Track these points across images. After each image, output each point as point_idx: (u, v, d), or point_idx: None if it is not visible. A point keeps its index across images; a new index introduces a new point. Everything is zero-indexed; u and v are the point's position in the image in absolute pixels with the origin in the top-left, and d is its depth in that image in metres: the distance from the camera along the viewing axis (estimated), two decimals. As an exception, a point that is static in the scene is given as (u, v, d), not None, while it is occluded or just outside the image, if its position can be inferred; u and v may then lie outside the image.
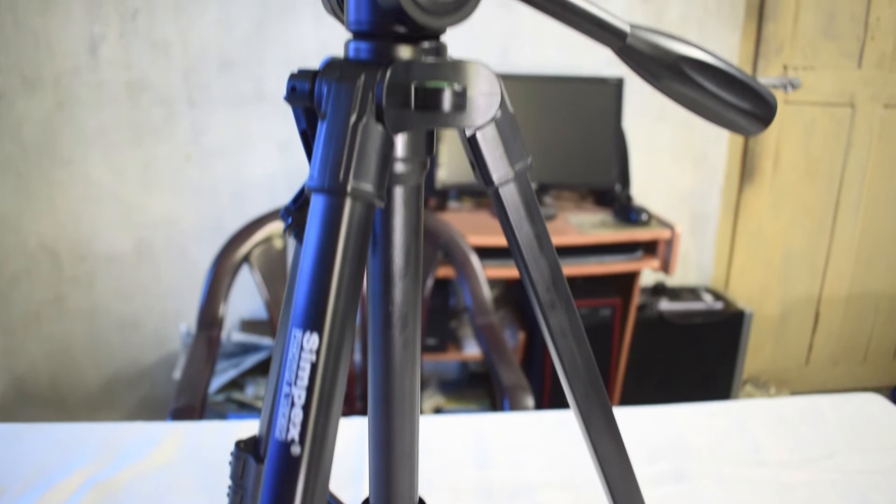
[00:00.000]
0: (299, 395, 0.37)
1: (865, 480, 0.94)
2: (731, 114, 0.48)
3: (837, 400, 1.14)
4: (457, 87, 0.39)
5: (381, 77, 0.39)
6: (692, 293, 2.53)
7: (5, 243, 2.28)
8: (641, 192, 2.46)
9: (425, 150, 0.44)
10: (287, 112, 2.24)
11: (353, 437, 0.96)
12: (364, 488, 0.89)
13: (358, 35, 0.42)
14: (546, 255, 0.47)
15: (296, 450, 0.36)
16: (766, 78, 2.53)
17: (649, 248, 2.16)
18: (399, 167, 0.43)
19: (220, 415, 2.10)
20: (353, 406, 1.71)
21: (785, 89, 2.54)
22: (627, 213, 2.17)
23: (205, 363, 1.41)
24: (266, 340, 2.27)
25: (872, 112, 2.65)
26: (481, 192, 2.33)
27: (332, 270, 0.37)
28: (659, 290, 2.51)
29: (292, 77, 0.43)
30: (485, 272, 1.59)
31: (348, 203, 0.38)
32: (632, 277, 2.21)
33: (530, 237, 0.46)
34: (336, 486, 0.88)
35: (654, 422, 1.06)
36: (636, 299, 2.25)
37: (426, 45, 0.42)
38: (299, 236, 0.46)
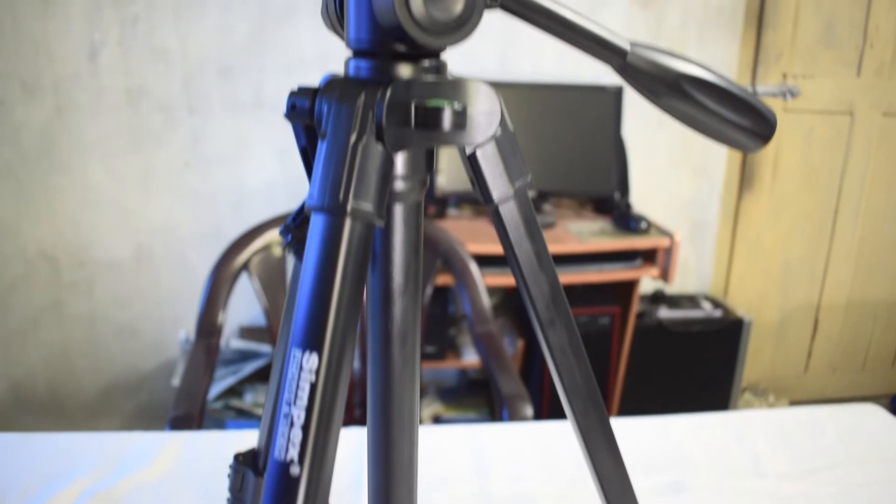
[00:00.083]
0: (298, 414, 0.37)
1: (864, 492, 0.94)
2: (730, 131, 0.49)
3: (836, 411, 1.14)
4: (457, 105, 0.39)
5: (382, 96, 0.39)
6: (691, 301, 2.52)
7: (4, 249, 2.27)
8: (641, 199, 2.46)
9: (425, 168, 0.44)
10: (286, 120, 2.24)
11: (351, 446, 0.96)
12: (362, 497, 0.89)
13: (358, 53, 0.42)
14: (545, 272, 0.47)
15: (295, 470, 0.36)
16: (766, 86, 2.53)
17: (648, 256, 2.16)
18: (399, 185, 0.43)
19: (219, 422, 2.09)
20: (352, 413, 1.71)
21: (784, 97, 2.55)
22: (627, 221, 2.17)
23: (203, 371, 1.41)
24: (265, 347, 2.26)
25: (871, 120, 2.66)
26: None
27: (331, 290, 0.37)
28: (658, 298, 2.51)
29: (292, 95, 0.43)
30: (484, 280, 1.59)
31: (348, 223, 0.38)
32: (631, 285, 2.21)
33: (530, 254, 0.46)
34: (335, 493, 0.88)
35: (652, 433, 1.06)
36: (635, 307, 2.24)
37: (426, 63, 0.42)
38: (299, 253, 0.46)
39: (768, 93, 2.54)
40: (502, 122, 0.44)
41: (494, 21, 2.26)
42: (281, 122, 2.26)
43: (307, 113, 0.42)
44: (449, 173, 2.17)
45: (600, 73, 2.35)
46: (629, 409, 2.39)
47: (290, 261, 0.50)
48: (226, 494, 0.63)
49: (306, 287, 0.38)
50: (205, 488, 0.90)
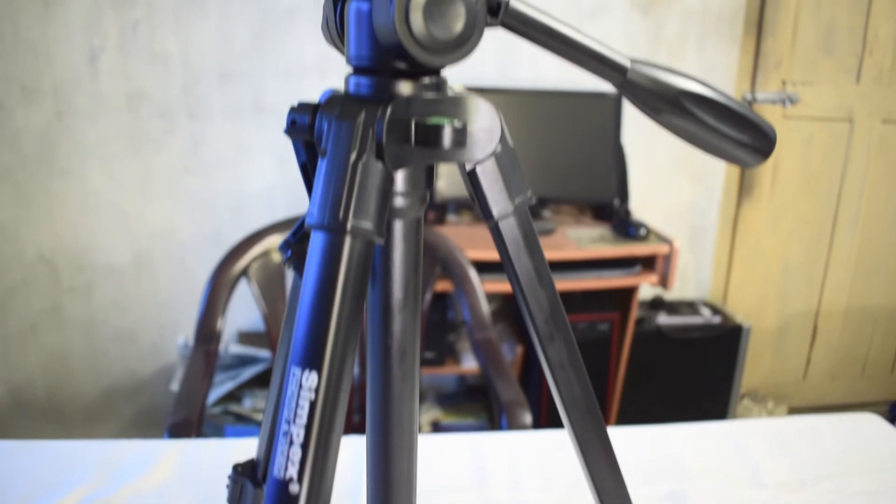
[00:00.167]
0: (298, 433, 0.37)
1: (863, 501, 0.94)
2: (730, 147, 0.49)
3: (835, 420, 1.14)
4: (457, 123, 0.39)
5: (382, 114, 0.39)
6: (690, 307, 2.52)
7: (3, 253, 2.27)
8: (640, 206, 2.47)
9: (425, 185, 0.44)
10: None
11: (350, 454, 0.96)
12: (361, 502, 0.89)
13: (358, 70, 0.42)
14: (545, 287, 0.47)
15: (294, 488, 0.36)
16: (765, 93, 2.53)
17: (647, 262, 2.16)
18: (399, 201, 0.43)
19: (218, 427, 2.09)
20: (351, 420, 1.71)
21: (783, 104, 2.55)
22: (626, 227, 2.17)
23: (202, 377, 1.41)
24: (264, 353, 2.26)
25: (871, 127, 2.66)
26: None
27: (331, 309, 0.37)
28: (657, 304, 2.51)
29: (292, 110, 0.43)
30: (483, 286, 1.59)
31: (348, 241, 0.38)
32: (630, 292, 2.21)
33: (529, 270, 0.46)
34: (334, 501, 0.87)
35: (651, 442, 1.06)
36: (634, 314, 2.24)
37: (426, 80, 0.42)
38: (299, 269, 0.46)
39: (768, 100, 2.54)
40: (502, 139, 0.44)
41: (494, 28, 2.26)
42: (281, 127, 2.26)
43: (307, 129, 0.42)
44: (448, 179, 2.17)
45: (600, 80, 2.35)
46: (628, 415, 2.39)
47: (290, 271, 0.50)
48: (224, 505, 0.63)
49: (306, 305, 0.38)
50: (203, 497, 0.90)
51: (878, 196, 2.75)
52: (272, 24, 2.19)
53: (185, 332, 2.39)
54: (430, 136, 0.39)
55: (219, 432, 2.09)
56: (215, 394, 2.13)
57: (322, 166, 0.39)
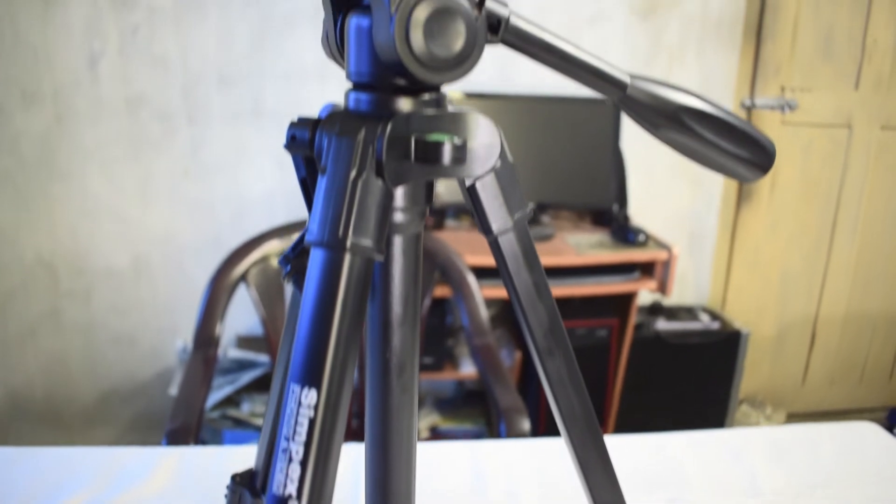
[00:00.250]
0: (297, 450, 0.37)
1: (861, 512, 0.94)
2: (729, 162, 0.49)
3: (833, 428, 1.14)
4: (456, 140, 0.39)
5: (382, 131, 0.39)
6: (689, 313, 2.53)
7: (2, 257, 2.27)
8: (639, 211, 2.47)
9: (424, 200, 0.44)
10: (286, 129, 2.24)
11: (349, 461, 0.96)
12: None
13: (358, 86, 0.42)
14: (544, 302, 0.47)
15: (293, 505, 0.36)
16: (764, 99, 2.53)
17: (646, 268, 2.17)
18: (398, 216, 0.43)
19: (216, 432, 2.09)
20: (350, 424, 1.71)
21: (782, 110, 2.55)
22: (625, 233, 2.17)
23: (201, 383, 1.41)
24: (262, 357, 2.26)
25: (869, 133, 2.66)
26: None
27: (330, 326, 0.37)
28: (656, 310, 2.51)
29: (292, 125, 0.43)
30: (482, 292, 1.59)
31: (347, 258, 0.38)
32: (629, 298, 2.21)
33: (529, 285, 0.47)
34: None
35: (649, 450, 1.06)
36: (633, 319, 2.24)
37: (426, 96, 0.42)
38: (298, 284, 0.46)
39: (767, 105, 2.54)
40: (502, 154, 0.44)
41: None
42: (280, 132, 2.26)
43: (307, 144, 0.42)
44: (448, 184, 2.17)
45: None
46: (626, 421, 2.39)
47: (289, 285, 0.50)
48: (223, 515, 0.63)
49: (305, 322, 0.38)
50: (201, 505, 0.90)
51: (877, 202, 2.75)
52: (272, 27, 2.19)
53: (184, 336, 2.39)
54: (429, 153, 0.39)
55: (217, 437, 2.09)
56: (214, 398, 2.13)
57: (322, 183, 0.39)
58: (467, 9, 0.38)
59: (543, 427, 2.29)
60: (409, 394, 0.49)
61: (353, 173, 0.39)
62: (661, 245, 2.15)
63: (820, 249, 2.78)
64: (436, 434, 2.30)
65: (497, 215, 0.45)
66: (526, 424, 1.32)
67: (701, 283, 2.72)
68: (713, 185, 2.60)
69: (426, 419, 2.32)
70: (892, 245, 2.82)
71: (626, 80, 0.44)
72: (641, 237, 2.15)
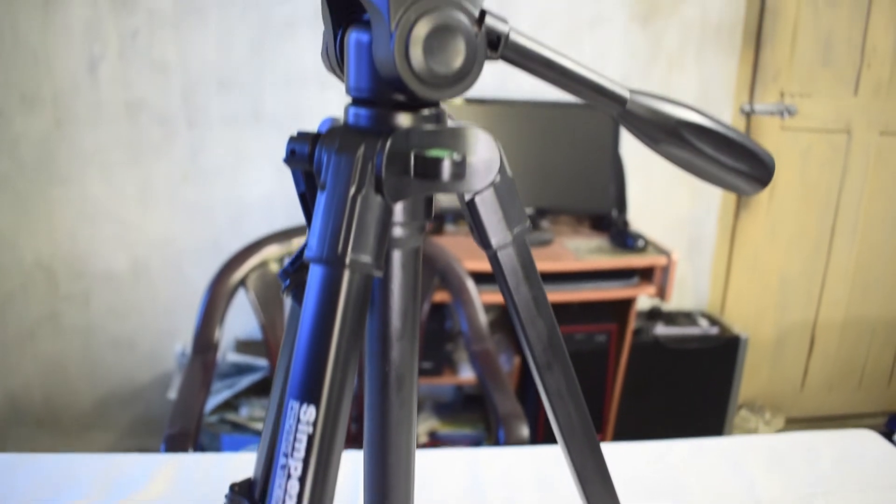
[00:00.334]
0: (295, 466, 0.37)
1: (860, 521, 0.94)
2: (728, 176, 0.49)
3: (831, 436, 1.14)
4: (456, 156, 0.39)
5: (381, 147, 0.39)
6: (688, 318, 2.53)
7: (1, 260, 2.27)
8: (638, 216, 2.47)
9: (424, 215, 0.44)
10: (285, 134, 2.24)
11: (347, 468, 0.96)
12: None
13: (358, 101, 0.42)
14: (543, 316, 0.47)
15: (291, 522, 0.36)
16: (763, 104, 2.54)
17: (645, 274, 2.17)
18: (397, 231, 0.44)
19: (214, 436, 2.09)
20: (349, 430, 1.71)
21: (782, 116, 2.56)
22: (624, 238, 2.17)
23: (199, 388, 1.41)
24: (261, 361, 2.26)
25: (868, 139, 2.66)
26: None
27: (329, 342, 0.37)
28: (655, 315, 2.51)
29: (292, 140, 0.43)
30: (481, 297, 1.59)
31: (346, 275, 0.38)
32: (628, 303, 2.21)
33: (528, 299, 0.47)
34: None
35: (648, 458, 1.06)
36: (632, 325, 2.25)
37: (426, 112, 0.42)
38: (298, 298, 0.46)
39: (766, 111, 2.55)
40: (501, 169, 0.44)
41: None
42: (279, 137, 2.27)
43: (306, 159, 0.42)
44: (447, 189, 2.17)
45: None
46: (625, 425, 2.39)
47: (288, 299, 0.50)
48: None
49: (304, 338, 0.38)
50: (200, 513, 0.90)
51: (876, 207, 2.76)
52: (272, 32, 2.19)
53: (183, 340, 2.39)
54: (429, 169, 0.39)
55: (216, 441, 2.09)
56: (212, 402, 2.13)
57: (321, 200, 0.39)
58: (467, 26, 0.38)
59: (542, 433, 2.29)
60: (408, 407, 0.49)
61: (352, 190, 0.39)
62: (661, 250, 2.15)
63: (819, 254, 2.78)
64: (434, 439, 2.30)
65: (496, 230, 0.45)
66: (525, 431, 1.32)
67: (700, 287, 2.72)
68: (712, 191, 2.60)
69: (425, 424, 2.32)
70: (891, 250, 2.82)
71: (626, 94, 0.44)
72: (640, 242, 2.15)
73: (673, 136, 0.46)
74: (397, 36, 0.36)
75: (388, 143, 0.39)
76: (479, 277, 1.67)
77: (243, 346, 2.39)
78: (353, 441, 1.69)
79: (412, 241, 0.45)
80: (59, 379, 2.41)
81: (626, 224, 2.27)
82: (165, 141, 2.24)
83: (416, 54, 0.37)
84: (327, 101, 2.25)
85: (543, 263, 2.04)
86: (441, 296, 1.84)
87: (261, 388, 2.21)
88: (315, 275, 0.39)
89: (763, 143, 2.57)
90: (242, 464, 1.00)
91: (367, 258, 0.38)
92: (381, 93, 0.41)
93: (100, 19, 2.11)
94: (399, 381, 0.47)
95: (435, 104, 0.42)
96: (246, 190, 2.31)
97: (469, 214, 0.45)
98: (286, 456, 0.37)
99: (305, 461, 0.37)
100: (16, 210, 2.23)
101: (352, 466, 0.97)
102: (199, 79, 2.21)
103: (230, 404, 2.17)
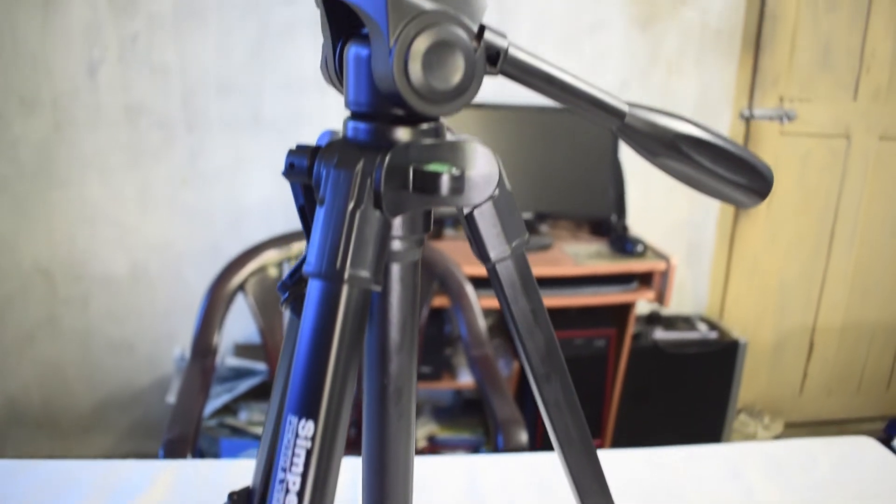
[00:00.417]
0: (294, 481, 0.37)
1: (858, 529, 0.94)
2: (727, 188, 0.49)
3: (830, 443, 1.14)
4: (454, 171, 0.39)
5: (380, 162, 0.39)
6: (687, 322, 2.53)
7: (0, 263, 2.27)
8: (637, 221, 2.47)
9: (422, 228, 0.44)
10: (285, 138, 2.25)
11: (346, 476, 0.96)
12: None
13: (357, 115, 0.42)
14: (541, 328, 0.47)
15: (289, 537, 0.37)
16: (763, 109, 2.54)
17: (644, 279, 2.17)
18: (396, 245, 0.44)
19: (213, 440, 2.09)
20: (347, 436, 1.71)
21: (781, 120, 2.56)
22: (623, 243, 2.17)
23: (198, 392, 1.41)
24: (260, 365, 2.26)
25: (868, 144, 2.67)
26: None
27: (328, 357, 0.37)
28: (654, 319, 2.51)
29: (291, 153, 0.43)
30: (480, 302, 1.59)
31: (345, 290, 0.38)
32: (627, 308, 2.21)
33: (526, 312, 0.47)
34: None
35: (646, 465, 1.06)
36: (631, 330, 2.25)
37: (424, 126, 0.42)
38: (296, 310, 0.46)
39: (765, 116, 2.55)
40: (500, 183, 0.44)
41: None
42: (279, 141, 2.27)
43: (305, 172, 0.43)
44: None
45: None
46: (624, 430, 2.39)
47: (287, 311, 0.50)
48: (219, 533, 0.63)
49: (302, 353, 0.38)
50: (198, 520, 0.90)
51: (875, 212, 2.76)
52: (272, 36, 2.20)
53: (182, 344, 2.39)
54: (427, 184, 0.39)
55: (214, 445, 2.08)
56: (211, 406, 2.13)
57: (320, 214, 0.40)
58: (466, 41, 0.38)
59: (541, 439, 2.29)
60: (407, 419, 0.49)
61: (351, 205, 0.39)
62: (660, 255, 2.15)
63: (818, 259, 2.79)
64: (433, 443, 2.30)
65: (495, 243, 0.45)
66: (523, 436, 1.32)
67: (699, 292, 2.72)
68: (711, 195, 2.60)
69: (424, 428, 2.32)
70: (890, 255, 2.82)
71: (625, 108, 0.45)
72: (640, 247, 2.15)
73: (671, 150, 0.46)
74: (396, 51, 0.37)
75: (388, 158, 0.39)
76: (479, 282, 1.67)
77: (242, 350, 2.39)
78: (352, 447, 1.69)
79: (411, 255, 0.45)
80: (58, 382, 2.41)
81: (625, 229, 2.27)
82: (165, 144, 2.24)
83: (415, 70, 0.37)
84: (327, 105, 2.25)
85: (542, 268, 2.04)
86: (440, 300, 1.84)
87: (260, 393, 2.21)
88: (314, 290, 0.39)
89: (762, 148, 2.57)
90: (241, 470, 1.00)
91: (365, 273, 0.39)
92: (381, 107, 0.41)
93: (99, 23, 2.11)
94: (398, 394, 0.47)
95: (434, 118, 0.43)
96: (245, 194, 2.31)
97: (468, 228, 0.45)
98: (284, 470, 0.37)
99: (304, 476, 0.37)
100: (15, 213, 2.23)
101: (350, 474, 0.97)
102: (199, 82, 2.21)
103: (229, 408, 2.17)
